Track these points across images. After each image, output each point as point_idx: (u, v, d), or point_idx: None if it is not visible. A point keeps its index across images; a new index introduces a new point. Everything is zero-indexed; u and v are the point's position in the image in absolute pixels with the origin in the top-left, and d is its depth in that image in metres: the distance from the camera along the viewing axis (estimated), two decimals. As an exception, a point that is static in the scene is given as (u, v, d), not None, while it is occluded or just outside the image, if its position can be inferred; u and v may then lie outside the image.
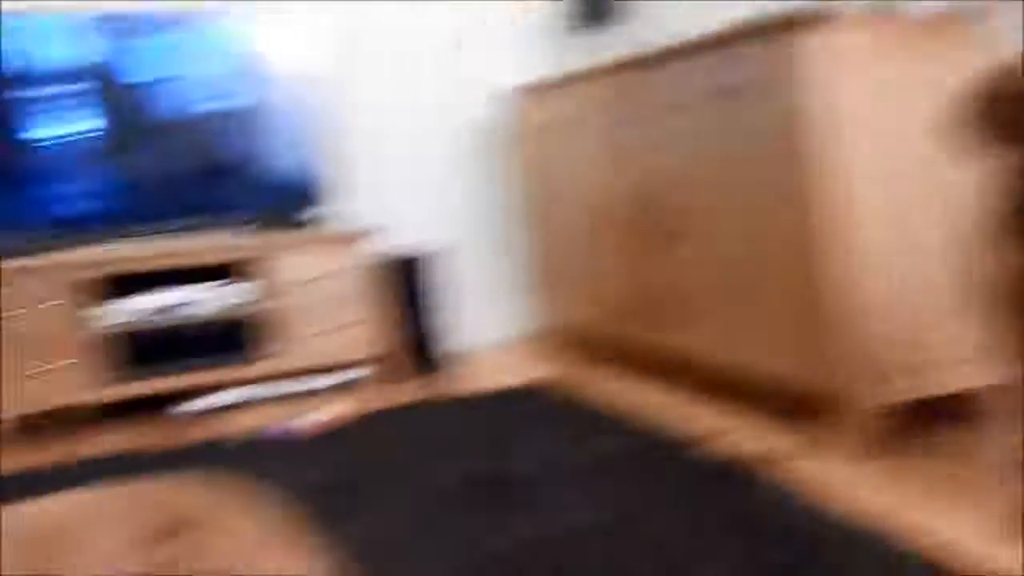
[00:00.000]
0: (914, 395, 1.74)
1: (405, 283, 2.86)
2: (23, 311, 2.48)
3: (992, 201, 1.16)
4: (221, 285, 2.74)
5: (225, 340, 2.72)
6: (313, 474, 1.84)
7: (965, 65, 1.72)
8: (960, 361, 1.77)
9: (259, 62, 2.73)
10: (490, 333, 3.19)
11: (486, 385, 2.57)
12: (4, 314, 2.47)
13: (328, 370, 2.90)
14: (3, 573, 0.93)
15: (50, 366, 2.52)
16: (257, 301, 2.76)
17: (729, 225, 1.96)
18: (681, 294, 2.17)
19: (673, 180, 2.13)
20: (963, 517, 1.39)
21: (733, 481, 1.50)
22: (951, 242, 1.76)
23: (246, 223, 2.83)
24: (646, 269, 2.31)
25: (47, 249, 2.59)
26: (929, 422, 1.85)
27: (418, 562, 1.32)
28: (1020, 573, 1.20)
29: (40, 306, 2.50)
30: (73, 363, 2.55)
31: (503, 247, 3.20)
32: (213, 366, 2.70)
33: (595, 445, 1.76)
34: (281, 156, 2.79)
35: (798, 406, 1.98)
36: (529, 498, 1.52)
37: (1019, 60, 1.11)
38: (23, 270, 2.48)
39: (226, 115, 2.74)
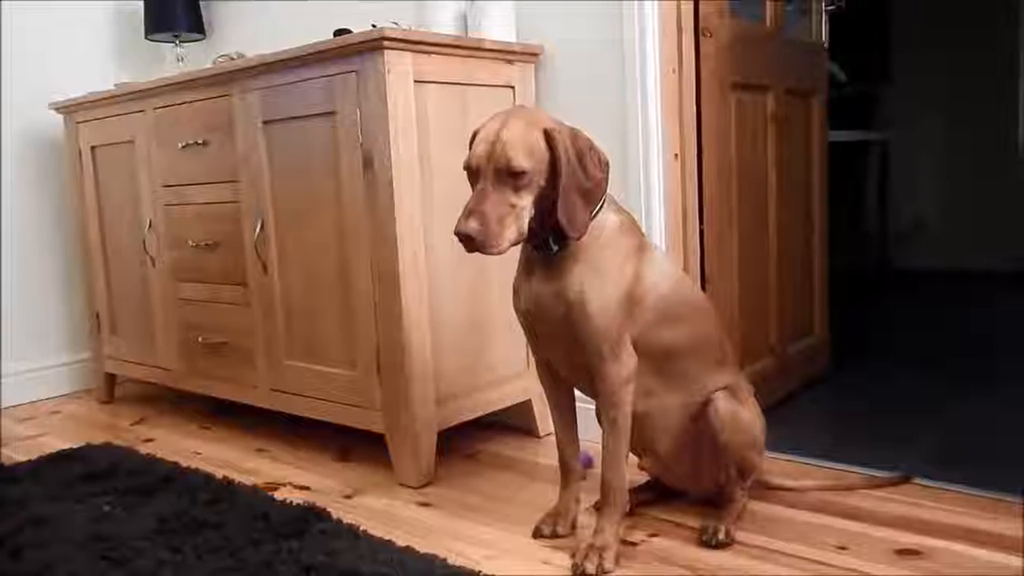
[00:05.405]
0: (477, 413, 1.81)
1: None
2: None
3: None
4: None
5: None
6: None
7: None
8: (514, 376, 1.90)
9: None
10: (38, 388, 2.69)
11: (24, 452, 2.12)
12: None
13: None
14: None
15: None
16: None
17: (294, 262, 1.86)
18: (239, 337, 2.03)
19: (231, 214, 1.98)
20: (517, 525, 1.48)
21: (297, 530, 1.45)
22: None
23: None
24: (201, 312, 2.14)
25: None
26: (491, 436, 1.97)
27: None
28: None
29: None
30: None
31: (59, 289, 2.75)
32: None
33: (153, 507, 1.61)
34: None
35: (361, 444, 1.97)
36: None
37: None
38: None
39: None
